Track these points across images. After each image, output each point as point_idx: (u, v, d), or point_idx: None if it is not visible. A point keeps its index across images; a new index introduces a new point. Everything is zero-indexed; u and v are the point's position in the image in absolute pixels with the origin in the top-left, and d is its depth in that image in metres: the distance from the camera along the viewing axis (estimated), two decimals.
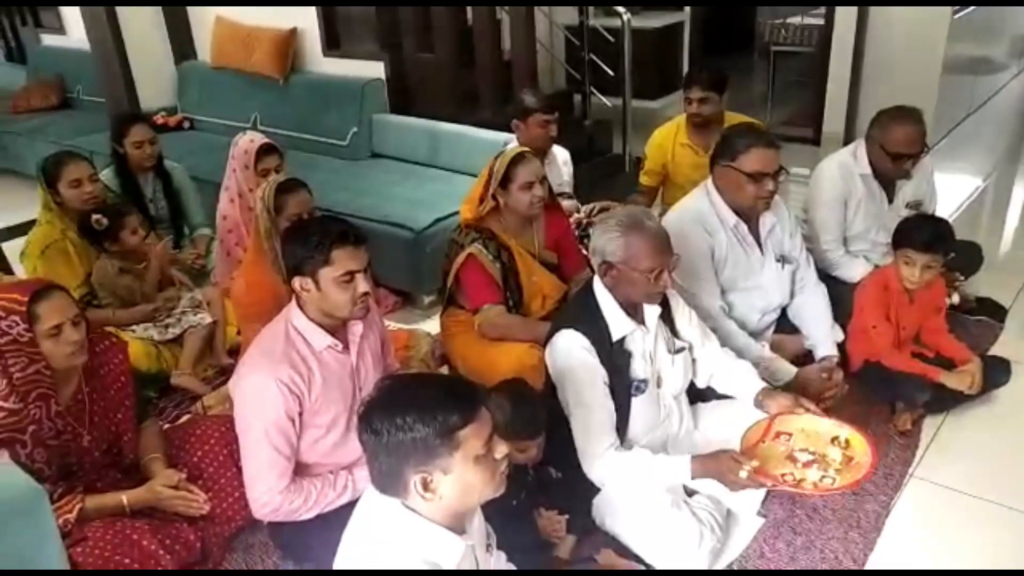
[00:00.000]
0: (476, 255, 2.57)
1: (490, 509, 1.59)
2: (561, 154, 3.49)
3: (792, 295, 2.76)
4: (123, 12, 5.03)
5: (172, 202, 3.58)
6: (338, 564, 1.48)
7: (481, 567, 1.56)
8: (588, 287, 2.15)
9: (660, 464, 2.05)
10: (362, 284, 1.94)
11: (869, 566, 2.09)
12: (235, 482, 2.16)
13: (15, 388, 1.89)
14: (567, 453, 2.11)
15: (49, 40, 6.22)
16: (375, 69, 4.57)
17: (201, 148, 4.60)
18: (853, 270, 2.92)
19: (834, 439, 2.05)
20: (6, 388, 1.88)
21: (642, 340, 2.13)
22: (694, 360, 2.29)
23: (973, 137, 5.25)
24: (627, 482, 2.07)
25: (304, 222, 2.33)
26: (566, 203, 3.24)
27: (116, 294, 2.97)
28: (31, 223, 3.24)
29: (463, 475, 1.38)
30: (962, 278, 3.06)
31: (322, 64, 4.80)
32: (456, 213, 2.98)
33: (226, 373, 2.94)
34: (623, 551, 2.09)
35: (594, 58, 5.03)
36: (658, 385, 2.19)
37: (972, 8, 4.61)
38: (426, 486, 1.37)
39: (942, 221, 2.66)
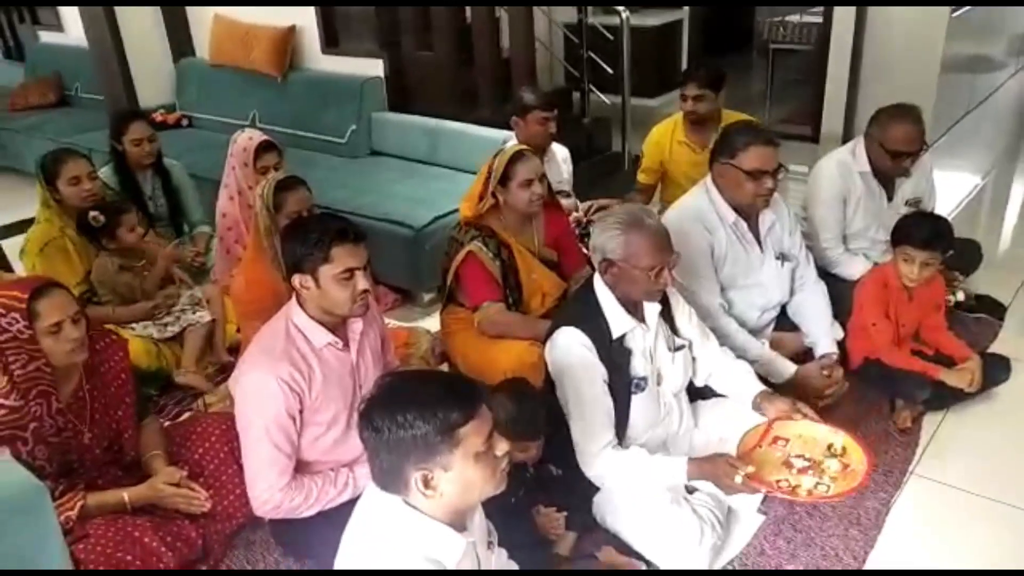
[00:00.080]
0: (476, 253, 2.57)
1: (489, 506, 1.59)
2: (560, 152, 3.49)
3: (792, 293, 2.77)
4: (121, 10, 5.03)
5: (171, 200, 3.57)
6: (339, 561, 1.48)
7: (482, 564, 1.56)
8: (588, 285, 2.16)
9: (657, 464, 2.06)
10: (362, 281, 1.94)
11: (869, 563, 2.09)
12: (236, 479, 2.16)
13: (16, 385, 1.89)
14: (567, 451, 2.11)
15: (47, 37, 6.20)
16: (374, 67, 4.56)
17: (200, 146, 4.59)
18: (852, 268, 2.92)
19: (830, 446, 2.05)
20: (7, 385, 1.88)
21: (642, 338, 2.13)
22: (694, 358, 2.29)
23: (972, 135, 5.26)
24: (624, 481, 2.08)
25: (303, 220, 2.33)
26: (565, 202, 3.24)
27: (116, 291, 2.97)
28: (30, 221, 3.23)
29: (464, 472, 1.38)
30: (962, 277, 3.06)
31: (321, 62, 4.80)
32: (455, 211, 2.98)
33: (226, 371, 2.94)
34: (624, 548, 2.09)
35: (593, 56, 5.03)
36: (658, 383, 2.19)
37: (970, 6, 4.62)
38: (427, 483, 1.37)
39: (941, 218, 2.66)
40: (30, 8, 6.26)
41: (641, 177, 3.60)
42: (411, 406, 1.36)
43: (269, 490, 1.96)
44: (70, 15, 5.72)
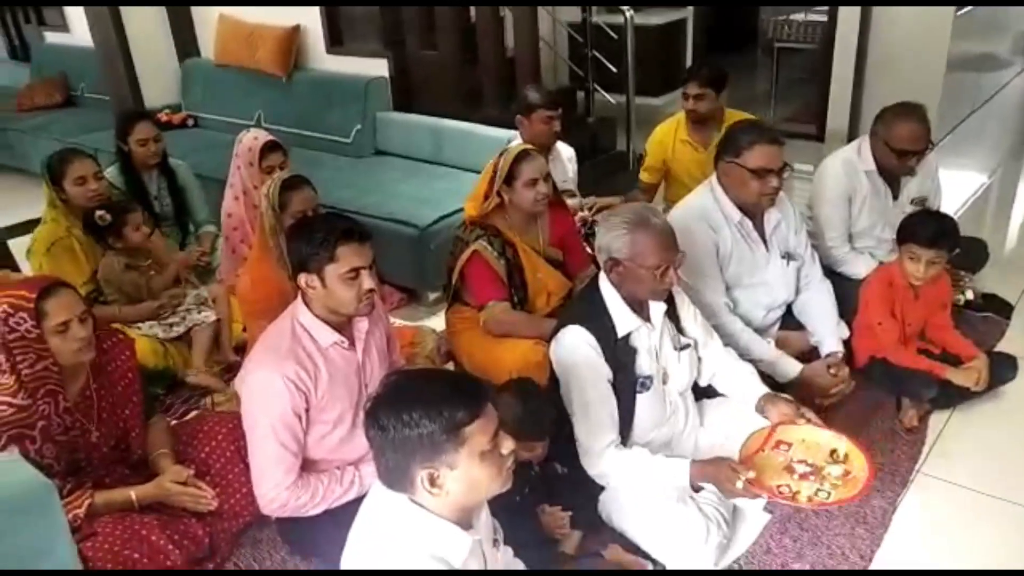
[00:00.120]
0: (481, 252, 2.57)
1: (495, 505, 1.60)
2: (565, 151, 3.49)
3: (797, 292, 2.76)
4: (126, 10, 5.04)
5: (177, 199, 3.58)
6: (345, 560, 1.49)
7: (488, 562, 1.56)
8: (593, 284, 2.16)
9: (660, 465, 2.06)
10: (367, 281, 1.94)
11: (876, 562, 2.09)
12: (243, 478, 2.17)
13: (24, 384, 1.90)
14: (572, 449, 2.11)
15: (53, 38, 6.23)
16: (379, 66, 4.57)
17: (205, 145, 4.60)
18: (858, 266, 2.91)
19: (833, 452, 2.05)
20: (15, 384, 1.89)
21: (647, 336, 2.13)
22: (699, 358, 2.29)
23: (978, 133, 5.24)
24: (627, 480, 2.08)
25: (309, 219, 2.34)
26: (570, 201, 3.24)
27: (122, 291, 2.98)
28: (37, 221, 3.24)
29: (469, 471, 1.38)
30: (970, 276, 3.06)
31: (325, 62, 4.81)
32: (460, 210, 2.98)
33: (232, 370, 2.95)
34: (630, 547, 2.10)
35: (597, 55, 5.03)
36: (664, 382, 2.19)
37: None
38: (432, 482, 1.37)
39: (946, 217, 2.65)
40: (36, 8, 6.28)
41: (643, 176, 3.60)
42: (417, 405, 1.36)
43: (275, 488, 1.96)
44: (75, 15, 5.73)
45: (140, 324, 2.98)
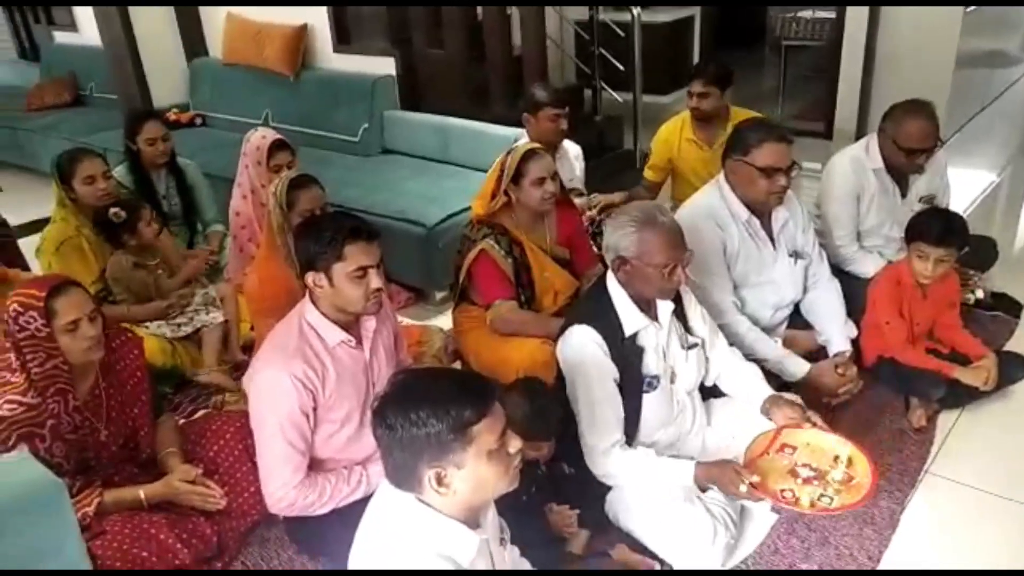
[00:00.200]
0: (488, 251, 2.58)
1: (502, 504, 1.59)
2: (572, 149, 3.49)
3: (805, 290, 2.75)
4: (135, 10, 5.07)
5: (185, 198, 3.60)
6: (353, 558, 1.49)
7: (495, 561, 1.56)
8: (601, 283, 2.15)
9: (664, 466, 2.06)
10: (375, 279, 1.95)
11: (884, 563, 2.08)
12: (251, 477, 2.17)
13: (33, 383, 1.91)
14: (579, 449, 2.11)
15: (62, 38, 6.26)
16: (386, 65, 4.57)
17: (213, 145, 4.62)
18: (866, 265, 2.90)
19: (837, 457, 2.04)
20: (25, 383, 1.90)
21: (655, 335, 2.13)
22: (707, 358, 2.29)
23: (987, 131, 5.21)
24: (631, 480, 2.08)
25: (316, 218, 2.34)
26: (577, 200, 3.24)
27: (130, 289, 2.99)
28: (46, 220, 3.26)
29: (476, 470, 1.38)
30: (979, 275, 3.04)
31: (333, 60, 4.81)
32: (468, 209, 2.98)
33: (240, 369, 2.96)
34: (637, 546, 2.09)
35: (604, 53, 5.02)
36: (671, 381, 2.18)
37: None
38: (440, 481, 1.37)
39: (955, 215, 2.64)
40: (45, 8, 6.31)
41: (648, 174, 3.59)
42: (424, 404, 1.36)
43: (283, 487, 1.97)
44: (84, 15, 5.76)
45: (148, 323, 2.99)
